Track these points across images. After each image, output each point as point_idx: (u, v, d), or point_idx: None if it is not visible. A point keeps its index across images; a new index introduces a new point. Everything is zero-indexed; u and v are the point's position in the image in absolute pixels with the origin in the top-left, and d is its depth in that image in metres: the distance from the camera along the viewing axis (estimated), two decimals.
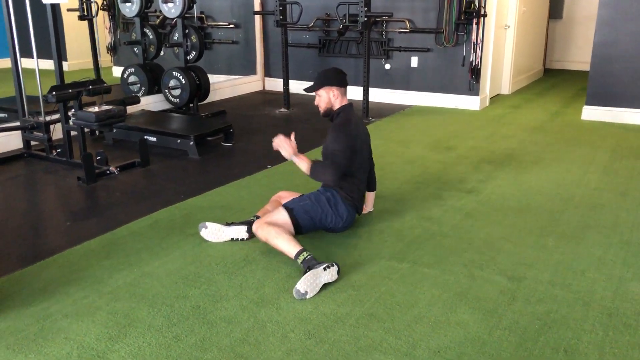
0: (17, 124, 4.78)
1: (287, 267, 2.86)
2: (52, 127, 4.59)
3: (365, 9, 5.73)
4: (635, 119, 5.91)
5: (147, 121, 5.40)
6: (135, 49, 6.49)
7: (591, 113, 6.12)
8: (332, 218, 3.10)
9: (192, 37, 6.22)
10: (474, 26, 6.44)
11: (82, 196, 3.97)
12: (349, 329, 2.33)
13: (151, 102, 6.27)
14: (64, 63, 4.50)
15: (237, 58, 8.20)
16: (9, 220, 3.51)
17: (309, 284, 2.57)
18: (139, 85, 6.38)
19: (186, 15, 5.99)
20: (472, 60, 6.54)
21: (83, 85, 4.26)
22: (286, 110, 6.72)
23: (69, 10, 6.35)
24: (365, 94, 6.17)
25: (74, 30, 7.27)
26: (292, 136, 3.08)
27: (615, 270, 2.81)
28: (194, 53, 6.28)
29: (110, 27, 8.38)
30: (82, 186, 4.10)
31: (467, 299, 2.54)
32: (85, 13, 6.04)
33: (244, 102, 7.31)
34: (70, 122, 4.34)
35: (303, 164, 3.03)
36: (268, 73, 8.17)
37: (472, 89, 6.70)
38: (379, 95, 7.13)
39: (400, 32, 6.92)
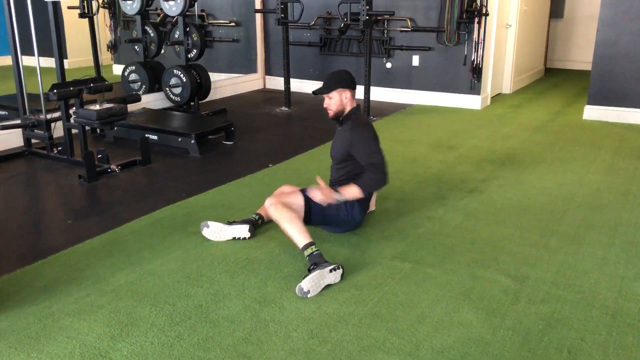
0: (18, 121, 4.76)
1: (289, 266, 2.85)
2: (53, 125, 4.58)
3: (367, 7, 5.72)
4: (637, 119, 5.90)
5: (148, 119, 5.39)
6: (136, 47, 6.47)
7: (593, 113, 6.11)
8: (344, 218, 3.11)
9: (193, 35, 6.21)
10: (476, 25, 6.42)
11: (83, 194, 3.96)
12: (352, 328, 2.33)
13: (152, 101, 6.26)
14: (64, 61, 4.49)
15: (238, 56, 8.19)
16: (10, 219, 3.51)
17: (313, 283, 2.56)
18: (139, 83, 6.37)
19: (187, 13, 5.97)
20: (474, 60, 6.53)
21: (84, 83, 4.25)
22: (287, 109, 6.71)
23: (69, 7, 6.33)
24: (367, 92, 6.16)
25: (75, 28, 7.24)
26: (319, 180, 2.99)
27: (618, 270, 2.80)
28: (195, 51, 6.27)
29: (110, 25, 8.36)
30: (83, 184, 4.09)
31: (470, 299, 2.54)
32: (86, 11, 6.01)
33: (245, 101, 7.30)
34: (71, 120, 4.33)
35: (350, 192, 2.98)
36: (269, 71, 8.16)
37: (474, 88, 6.69)
38: (380, 94, 7.12)
39: (401, 31, 6.90)
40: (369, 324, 2.35)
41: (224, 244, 3.10)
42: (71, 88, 4.19)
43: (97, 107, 4.12)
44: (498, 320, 2.37)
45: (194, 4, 6.01)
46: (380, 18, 6.86)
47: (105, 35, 8.42)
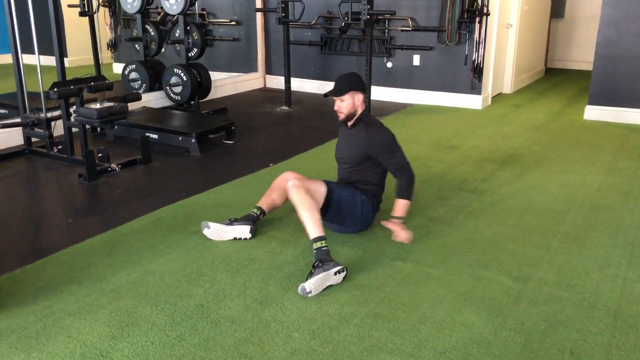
0: (18, 120, 4.75)
1: (291, 266, 2.85)
2: (53, 123, 4.56)
3: (368, 6, 5.70)
4: (638, 119, 5.89)
5: (148, 118, 5.38)
6: (136, 45, 6.46)
7: (594, 113, 6.11)
8: (356, 220, 3.12)
9: (194, 34, 6.20)
10: (477, 25, 6.41)
11: (84, 193, 3.95)
12: (354, 329, 2.32)
13: (152, 99, 6.25)
14: (64, 59, 4.47)
15: (239, 55, 8.17)
16: (10, 218, 3.50)
17: (317, 285, 2.55)
18: (140, 82, 6.35)
19: (188, 12, 5.96)
20: (475, 59, 6.52)
21: (85, 82, 4.23)
22: (287, 108, 6.70)
23: (69, 6, 6.31)
24: (367, 92, 6.15)
25: (75, 26, 7.22)
26: (388, 224, 3.02)
27: (620, 271, 2.79)
28: (196, 50, 6.26)
29: (111, 24, 8.35)
30: (83, 183, 4.08)
31: (472, 300, 2.53)
32: (86, 9, 6.00)
33: (245, 100, 7.29)
34: (72, 119, 4.32)
35: (405, 209, 3.04)
36: (269, 70, 8.15)
37: (474, 87, 6.68)
38: (380, 93, 7.11)
39: (402, 30, 6.89)
40: (370, 325, 2.35)
41: (224, 244, 3.09)
42: (72, 87, 4.18)
43: (98, 105, 4.11)
44: (500, 321, 2.36)
45: (194, 3, 6.00)
46: (381, 17, 6.85)
47: (105, 33, 8.41)
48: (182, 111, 6.06)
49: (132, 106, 5.29)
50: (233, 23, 7.99)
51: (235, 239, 3.12)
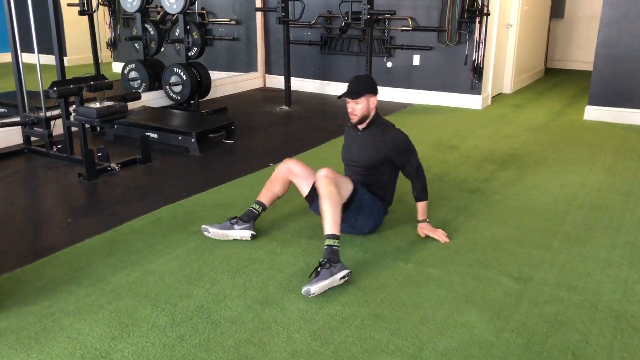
0: (18, 119, 4.74)
1: (291, 266, 2.84)
2: (52, 122, 4.55)
3: (368, 6, 5.70)
4: (638, 120, 5.89)
5: (148, 117, 5.36)
6: (136, 44, 6.45)
7: (594, 113, 6.10)
8: (368, 224, 3.12)
9: (194, 33, 6.19)
10: (477, 25, 6.41)
11: (83, 193, 3.94)
12: (355, 330, 2.31)
13: (151, 99, 6.24)
14: (64, 58, 4.46)
15: (238, 55, 8.16)
16: (9, 217, 3.48)
17: (322, 289, 2.54)
18: (139, 81, 6.34)
19: (188, 11, 5.95)
20: (475, 59, 6.52)
21: (85, 81, 4.22)
22: (287, 108, 6.69)
23: (69, 5, 6.30)
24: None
25: (74, 25, 7.21)
26: (422, 233, 3.19)
27: (621, 272, 2.79)
28: (195, 49, 6.25)
29: (110, 23, 8.33)
30: (82, 183, 4.07)
31: (473, 300, 2.52)
32: (86, 8, 5.98)
33: (245, 99, 7.28)
34: (71, 118, 4.30)
35: (425, 209, 3.21)
36: (269, 70, 8.14)
37: (474, 87, 6.67)
38: (380, 93, 6.94)
39: (402, 30, 6.89)
40: (371, 326, 2.34)
41: (225, 244, 3.07)
42: (71, 86, 4.17)
43: (97, 105, 4.09)
44: (501, 322, 2.36)
45: (194, 2, 5.99)
46: (381, 17, 6.84)
47: (104, 32, 8.40)
48: (181, 110, 6.04)
49: (131, 105, 5.28)
50: (233, 22, 7.97)
51: (235, 239, 3.10)
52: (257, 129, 5.71)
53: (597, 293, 2.59)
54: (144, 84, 6.32)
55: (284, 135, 5.63)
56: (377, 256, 2.95)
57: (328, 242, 2.69)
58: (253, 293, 2.59)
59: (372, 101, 3.11)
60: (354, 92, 3.06)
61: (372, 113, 3.14)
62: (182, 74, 6.01)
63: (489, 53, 6.78)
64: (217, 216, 3.43)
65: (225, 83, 7.53)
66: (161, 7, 6.30)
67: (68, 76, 4.31)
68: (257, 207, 3.17)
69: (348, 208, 2.97)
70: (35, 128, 4.61)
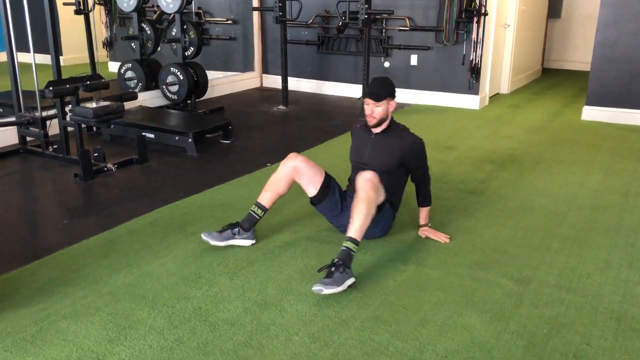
0: (13, 119, 4.70)
1: (290, 268, 2.82)
2: (48, 122, 4.52)
3: (366, 6, 5.68)
4: (636, 120, 5.89)
5: (145, 117, 5.33)
6: (132, 44, 6.41)
7: (591, 113, 6.10)
8: (378, 231, 3.09)
9: (190, 33, 6.16)
10: (474, 25, 6.40)
11: (79, 193, 3.91)
12: (354, 332, 2.29)
13: (148, 99, 6.21)
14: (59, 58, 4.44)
15: (235, 54, 8.14)
16: (4, 218, 3.45)
17: (332, 293, 2.50)
18: (136, 81, 6.31)
19: (184, 10, 5.92)
20: (472, 59, 6.51)
21: (81, 81, 4.19)
22: (284, 108, 6.67)
23: (64, 4, 6.26)
24: (365, 91, 6.12)
25: (70, 24, 7.18)
26: (423, 235, 3.21)
27: (621, 273, 2.77)
28: (192, 49, 6.22)
29: (106, 22, 8.29)
30: (79, 183, 4.04)
31: (473, 302, 2.50)
32: (82, 7, 5.96)
33: (242, 99, 7.25)
34: (67, 118, 4.27)
35: (428, 213, 3.24)
36: (266, 70, 8.11)
37: (472, 87, 6.66)
38: None
39: (400, 30, 6.87)
40: (371, 328, 2.32)
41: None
42: (67, 85, 4.13)
43: (94, 104, 4.07)
44: (502, 324, 2.34)
45: (191, 1, 5.96)
46: (378, 17, 6.83)
47: (101, 32, 8.35)
48: (178, 110, 6.01)
49: (128, 105, 5.25)
50: (230, 22, 7.95)
51: None
52: (254, 129, 5.68)
53: (597, 294, 2.57)
54: (140, 84, 6.29)
55: (281, 135, 5.61)
56: (376, 257, 2.93)
57: (348, 244, 2.64)
58: (251, 295, 2.56)
59: (392, 105, 3.09)
60: (377, 95, 3.02)
61: (390, 117, 3.12)
62: (178, 73, 5.98)
63: (487, 53, 6.78)
64: (214, 217, 3.40)
65: (222, 83, 7.50)
66: (158, 6, 6.27)
67: (64, 76, 4.28)
68: (258, 210, 3.06)
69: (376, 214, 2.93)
70: (31, 128, 4.58)
